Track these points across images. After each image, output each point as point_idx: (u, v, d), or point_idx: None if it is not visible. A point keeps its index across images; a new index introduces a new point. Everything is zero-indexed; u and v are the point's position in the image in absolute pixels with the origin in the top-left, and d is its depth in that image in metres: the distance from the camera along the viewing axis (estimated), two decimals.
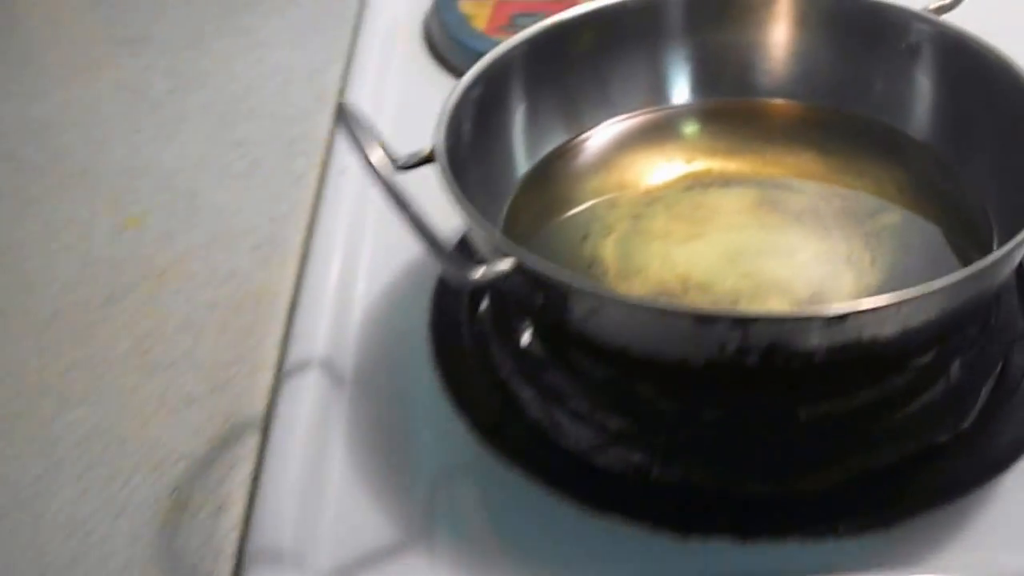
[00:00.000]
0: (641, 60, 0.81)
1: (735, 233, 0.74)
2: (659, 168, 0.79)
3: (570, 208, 0.76)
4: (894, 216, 0.74)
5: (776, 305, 0.68)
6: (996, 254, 0.60)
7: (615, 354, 0.63)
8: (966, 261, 0.69)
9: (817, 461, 0.66)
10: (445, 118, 0.68)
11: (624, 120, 0.82)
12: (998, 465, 0.65)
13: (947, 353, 0.68)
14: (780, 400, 0.65)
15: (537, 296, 0.62)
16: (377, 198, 0.65)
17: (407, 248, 0.76)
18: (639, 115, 0.82)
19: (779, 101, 0.82)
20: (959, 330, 0.67)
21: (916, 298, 0.58)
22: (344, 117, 0.61)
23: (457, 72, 0.94)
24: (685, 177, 0.78)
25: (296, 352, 0.72)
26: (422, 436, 0.69)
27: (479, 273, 0.59)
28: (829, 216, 0.74)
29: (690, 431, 0.66)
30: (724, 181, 0.77)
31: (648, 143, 0.80)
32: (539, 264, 0.60)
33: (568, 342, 0.66)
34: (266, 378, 0.72)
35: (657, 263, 0.71)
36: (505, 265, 0.60)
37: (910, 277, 0.67)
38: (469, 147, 0.70)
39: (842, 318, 0.58)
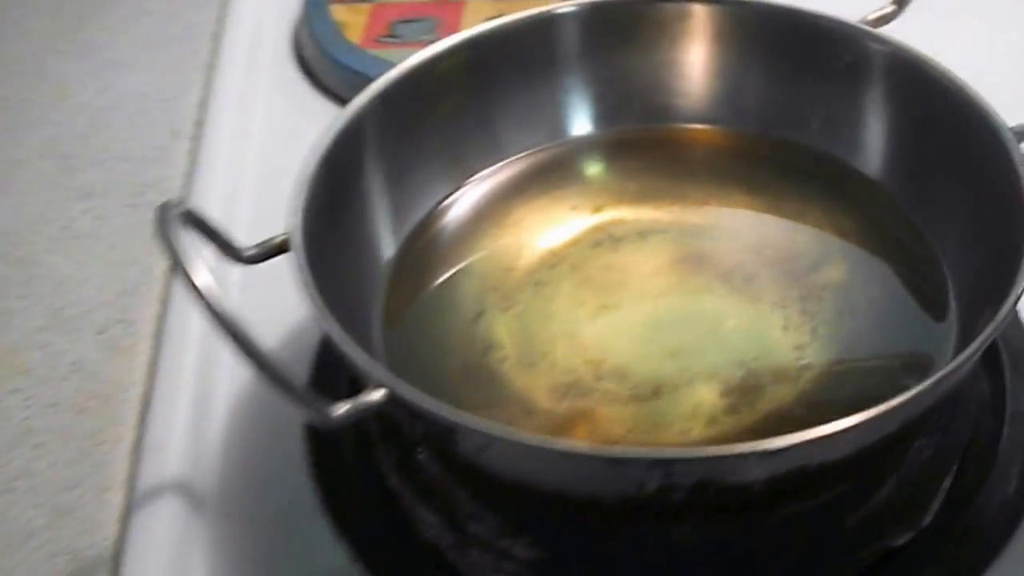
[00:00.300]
0: (531, 89, 0.70)
1: (654, 301, 0.64)
2: (561, 221, 0.68)
3: (459, 280, 0.65)
4: (836, 271, 0.64)
5: (705, 395, 0.59)
6: (962, 357, 0.51)
7: (514, 488, 0.52)
8: (922, 327, 0.61)
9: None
10: (300, 200, 0.57)
11: (515, 162, 0.70)
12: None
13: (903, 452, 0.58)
14: (711, 529, 0.54)
15: (417, 426, 0.51)
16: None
17: (281, 313, 0.65)
18: (532, 154, 0.71)
19: (698, 127, 0.71)
20: (919, 432, 0.57)
21: (871, 419, 0.48)
22: (162, 221, 0.49)
23: (332, 94, 0.83)
24: (593, 230, 0.68)
25: (148, 468, 0.62)
26: (298, 566, 0.59)
27: (342, 410, 0.49)
28: (762, 273, 0.64)
29: (607, 566, 0.55)
30: (639, 233, 0.67)
31: (546, 190, 0.70)
32: (414, 396, 0.49)
33: (463, 470, 0.55)
34: (117, 499, 0.62)
35: (564, 345, 0.61)
36: (375, 397, 0.49)
37: (858, 350, 0.60)
38: (330, 225, 0.60)
39: (784, 450, 0.47)
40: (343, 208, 0.61)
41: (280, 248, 0.57)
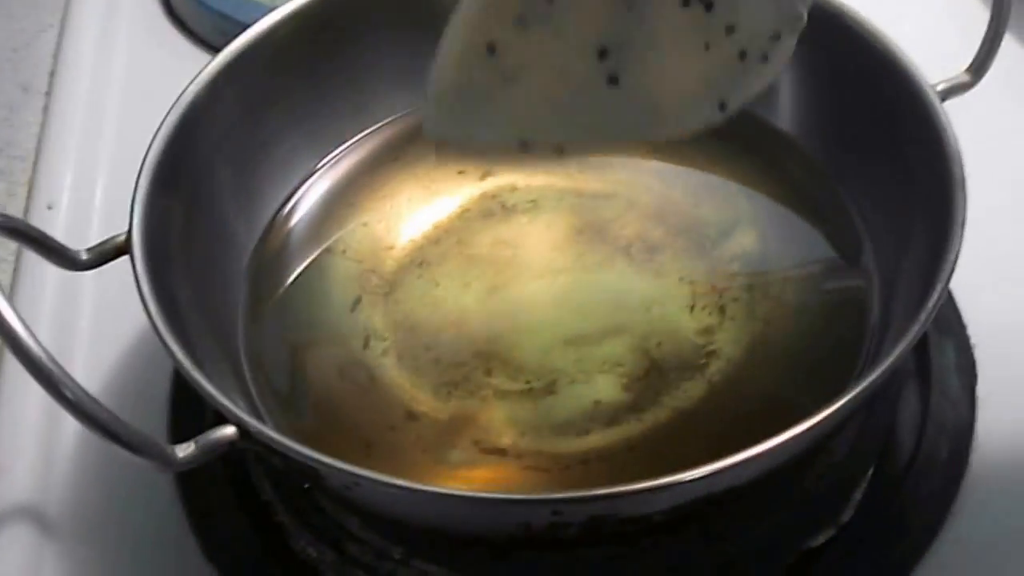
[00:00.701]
0: (397, 45, 0.63)
1: (550, 280, 0.58)
2: (446, 189, 0.62)
3: (331, 264, 0.58)
4: (747, 238, 0.58)
5: (606, 389, 0.54)
6: (876, 373, 0.46)
7: (396, 524, 0.47)
8: (839, 296, 0.57)
9: None
10: (141, 194, 0.50)
11: (387, 127, 0.64)
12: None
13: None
14: (612, 553, 0.49)
15: (278, 462, 0.45)
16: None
17: (137, 319, 0.58)
18: (406, 116, 0.64)
19: None
20: (833, 440, 0.52)
21: (778, 446, 0.43)
22: None
23: (201, 41, 0.75)
24: (482, 199, 0.61)
25: None
26: None
27: (186, 453, 0.43)
28: (667, 244, 0.58)
29: None
30: (532, 200, 0.61)
31: (426, 154, 0.63)
32: (268, 435, 0.43)
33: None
34: None
35: (451, 335, 0.56)
36: (226, 433, 0.43)
37: (770, 331, 0.55)
38: (181, 218, 0.53)
39: (684, 483, 0.42)
40: (193, 199, 0.55)
41: (120, 250, 0.50)
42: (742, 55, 0.49)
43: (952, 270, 0.47)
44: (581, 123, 0.49)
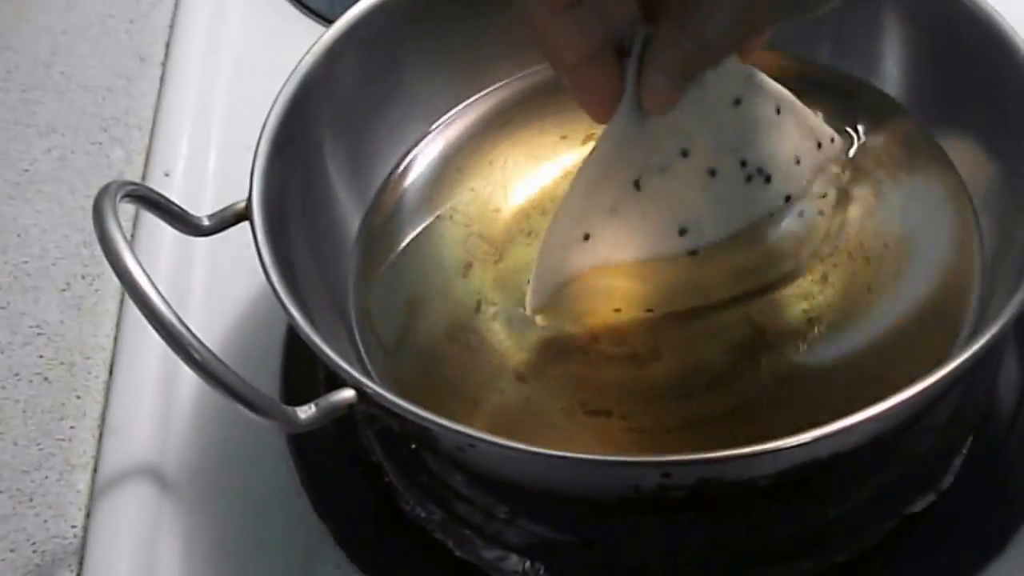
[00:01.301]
0: (505, 12, 0.62)
1: None
2: (550, 155, 0.63)
3: (444, 228, 0.60)
4: (853, 206, 0.58)
5: (709, 353, 0.54)
6: (981, 343, 0.46)
7: (503, 484, 0.48)
8: (943, 266, 0.56)
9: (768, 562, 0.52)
10: (260, 162, 0.52)
11: (493, 92, 0.65)
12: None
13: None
14: (718, 515, 0.50)
15: (394, 423, 0.46)
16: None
17: (252, 278, 0.60)
18: (512, 82, 0.66)
19: None
20: (934, 407, 0.53)
21: (884, 412, 0.43)
22: (99, 213, 0.44)
23: (309, 10, 0.77)
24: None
25: (112, 448, 0.57)
26: (277, 550, 0.56)
27: (308, 415, 0.44)
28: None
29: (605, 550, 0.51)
30: None
31: (531, 120, 0.64)
32: (387, 396, 0.44)
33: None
34: (83, 481, 0.58)
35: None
36: (345, 396, 0.45)
37: (873, 298, 0.55)
38: (299, 187, 0.54)
39: (787, 449, 0.43)
40: (308, 166, 0.57)
41: (240, 216, 0.52)
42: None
43: None
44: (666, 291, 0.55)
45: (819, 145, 0.57)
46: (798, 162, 0.56)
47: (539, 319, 0.54)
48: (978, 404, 0.56)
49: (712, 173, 0.53)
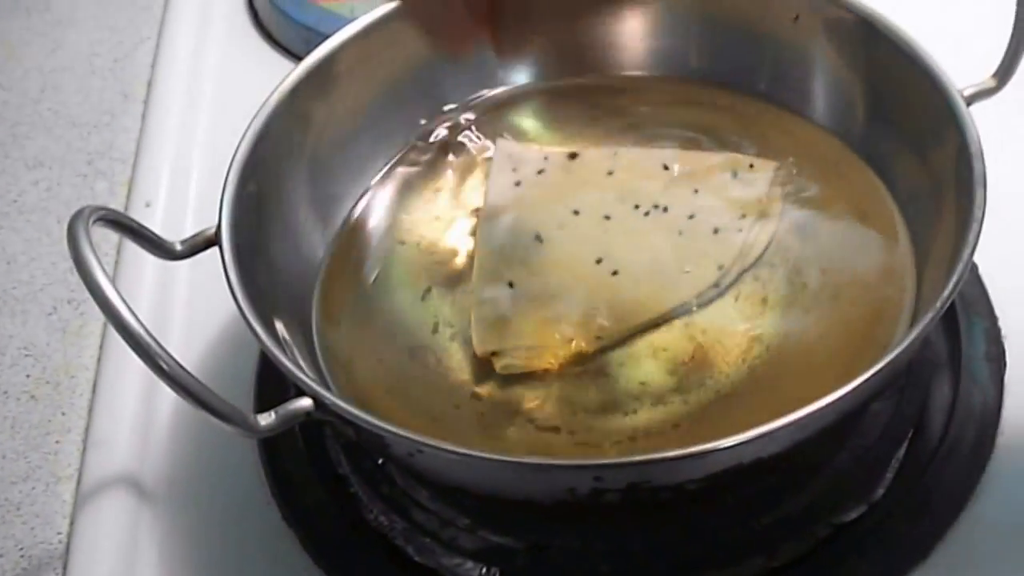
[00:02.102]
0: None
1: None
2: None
3: (407, 254, 0.64)
4: (789, 232, 0.61)
5: (655, 371, 0.58)
6: (907, 341, 0.49)
7: (458, 493, 0.52)
8: (877, 287, 0.59)
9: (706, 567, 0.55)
10: (229, 191, 0.56)
11: (456, 126, 0.69)
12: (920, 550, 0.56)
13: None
14: (653, 520, 0.54)
15: (349, 431, 0.50)
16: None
17: (228, 300, 0.63)
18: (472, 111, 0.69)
19: (642, 75, 0.69)
20: (863, 415, 0.56)
21: (798, 420, 0.47)
22: (73, 234, 0.48)
23: (283, 49, 0.81)
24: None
25: (95, 460, 0.61)
26: (248, 556, 0.59)
27: (267, 422, 0.48)
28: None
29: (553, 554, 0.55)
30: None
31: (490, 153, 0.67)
32: (341, 404, 0.48)
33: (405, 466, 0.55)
34: (68, 491, 0.62)
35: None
36: (302, 405, 0.48)
37: (811, 319, 0.59)
38: (266, 214, 0.58)
39: (711, 452, 0.46)
40: (275, 194, 0.60)
41: (210, 242, 0.55)
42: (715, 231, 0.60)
43: (968, 265, 0.51)
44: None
45: (734, 174, 0.61)
46: (696, 191, 0.61)
47: (494, 362, 0.58)
48: (909, 420, 0.60)
49: (607, 217, 0.60)
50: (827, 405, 0.47)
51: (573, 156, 0.65)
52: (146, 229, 0.54)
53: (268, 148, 0.59)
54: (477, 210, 0.65)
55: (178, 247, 0.55)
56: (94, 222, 0.49)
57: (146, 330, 0.45)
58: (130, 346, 0.45)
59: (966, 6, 0.79)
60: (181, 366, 0.46)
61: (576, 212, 0.62)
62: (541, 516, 0.55)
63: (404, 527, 0.58)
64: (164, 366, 0.45)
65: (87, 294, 0.67)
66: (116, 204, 0.74)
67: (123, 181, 0.76)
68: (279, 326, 0.55)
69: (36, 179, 0.76)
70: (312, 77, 0.62)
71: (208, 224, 0.56)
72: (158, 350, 0.45)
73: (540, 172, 0.64)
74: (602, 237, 0.62)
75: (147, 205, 0.72)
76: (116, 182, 0.76)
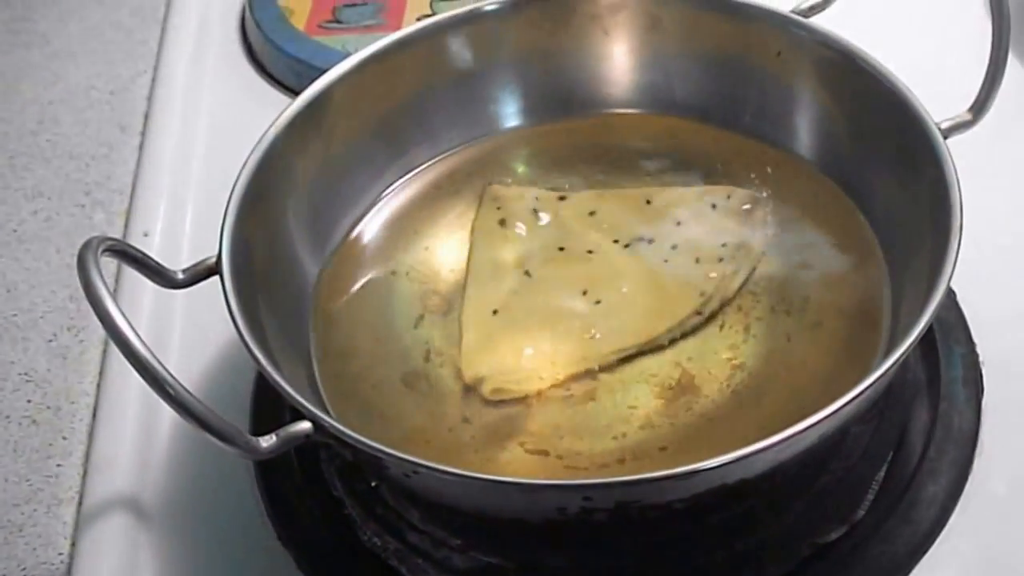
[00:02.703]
0: (455, 87, 0.71)
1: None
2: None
3: (399, 284, 0.66)
4: (771, 261, 0.64)
5: (642, 396, 0.60)
6: (885, 366, 0.51)
7: (448, 508, 0.54)
8: (856, 315, 0.61)
9: None
10: (229, 222, 0.57)
11: (447, 159, 0.71)
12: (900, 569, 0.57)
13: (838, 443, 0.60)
14: (640, 540, 0.55)
15: (347, 452, 0.52)
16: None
17: (225, 327, 0.65)
18: (464, 149, 0.71)
19: (631, 112, 0.71)
20: (844, 437, 0.58)
21: (780, 441, 0.49)
22: (83, 263, 0.49)
23: (277, 82, 0.84)
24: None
25: (96, 483, 0.63)
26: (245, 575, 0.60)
27: (268, 444, 0.49)
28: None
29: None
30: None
31: (481, 185, 0.70)
32: (339, 427, 0.50)
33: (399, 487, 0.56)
34: (69, 513, 0.63)
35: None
36: (301, 428, 0.50)
37: (792, 346, 0.60)
38: (264, 244, 0.60)
39: (696, 473, 0.48)
40: (272, 225, 0.62)
41: (211, 270, 0.57)
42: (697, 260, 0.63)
43: (945, 292, 0.53)
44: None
45: (713, 206, 0.63)
46: (678, 223, 0.63)
47: (482, 388, 0.60)
48: (889, 443, 0.61)
49: (590, 252, 0.63)
50: (808, 427, 0.49)
51: (561, 198, 0.68)
52: (150, 258, 0.56)
53: (266, 180, 0.61)
54: (466, 243, 0.67)
55: (180, 276, 0.57)
56: (103, 252, 0.51)
57: (154, 356, 0.47)
58: (137, 371, 0.47)
59: (944, 42, 0.82)
60: (187, 390, 0.47)
61: (561, 248, 0.65)
62: (531, 536, 0.56)
63: (397, 547, 0.59)
64: (171, 391, 0.47)
65: (86, 321, 0.70)
66: (114, 233, 0.76)
67: (120, 211, 0.77)
68: (276, 352, 0.56)
69: (35, 209, 0.77)
70: (309, 111, 0.64)
71: (203, 252, 0.58)
72: (165, 375, 0.47)
73: (527, 212, 0.66)
74: (586, 270, 0.64)
75: (145, 235, 0.74)
76: (114, 212, 0.78)
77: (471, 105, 0.70)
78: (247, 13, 0.88)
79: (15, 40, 0.90)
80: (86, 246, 0.51)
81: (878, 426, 0.61)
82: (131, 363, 0.47)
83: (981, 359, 0.65)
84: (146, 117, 0.83)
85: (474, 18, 0.69)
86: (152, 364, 0.47)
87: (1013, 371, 0.64)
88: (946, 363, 0.64)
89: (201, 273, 0.57)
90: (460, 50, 0.69)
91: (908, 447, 0.61)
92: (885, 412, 0.62)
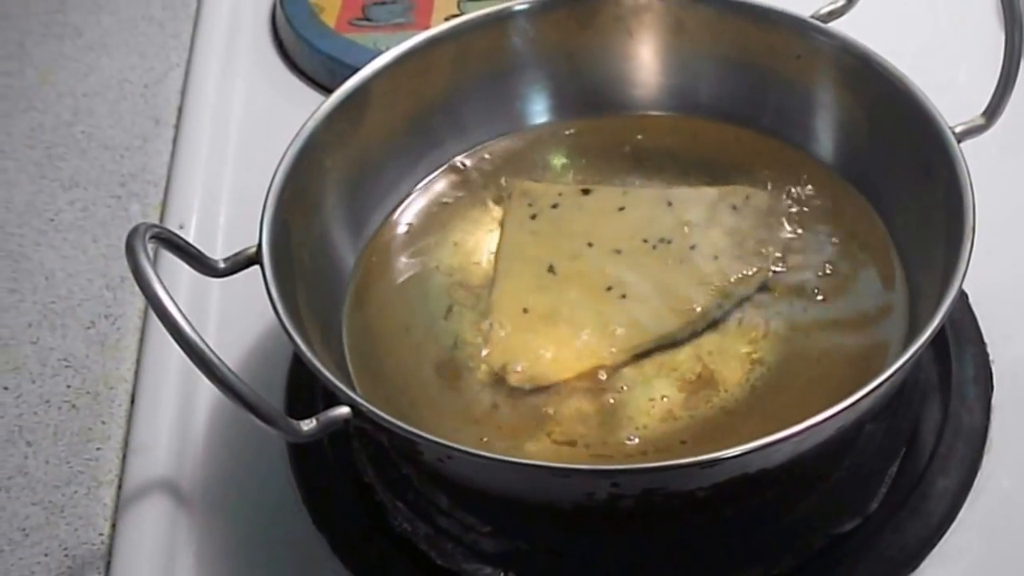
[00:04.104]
0: (486, 84, 0.73)
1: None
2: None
3: (429, 276, 0.68)
4: (790, 260, 0.65)
5: (664, 389, 0.62)
6: (900, 362, 0.53)
7: (477, 493, 0.56)
8: (873, 314, 0.64)
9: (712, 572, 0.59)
10: (268, 214, 0.60)
11: (477, 153, 0.74)
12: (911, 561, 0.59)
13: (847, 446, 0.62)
14: (663, 526, 0.58)
15: (383, 437, 0.54)
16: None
17: (258, 316, 0.68)
18: (493, 144, 0.74)
19: (655, 114, 0.74)
20: (859, 433, 0.60)
21: (798, 432, 0.51)
22: (131, 249, 0.52)
23: (307, 78, 0.85)
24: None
25: (136, 467, 0.65)
26: (280, 558, 0.63)
27: (310, 427, 0.52)
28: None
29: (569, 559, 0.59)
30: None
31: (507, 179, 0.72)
32: (377, 412, 0.52)
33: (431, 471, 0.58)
34: (108, 495, 0.65)
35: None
36: (341, 412, 0.52)
37: (810, 343, 0.63)
38: (301, 234, 0.62)
39: (719, 461, 0.50)
40: (308, 217, 0.64)
41: (251, 260, 0.59)
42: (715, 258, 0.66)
43: (958, 292, 0.55)
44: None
45: (733, 207, 0.65)
46: (698, 224, 0.67)
47: (509, 377, 0.62)
48: (902, 439, 0.63)
49: (618, 251, 0.65)
50: (827, 419, 0.51)
51: (586, 192, 0.69)
52: (192, 247, 0.58)
53: (303, 172, 0.63)
54: (495, 237, 0.69)
55: (221, 265, 0.59)
56: (149, 239, 0.53)
57: (202, 339, 0.49)
58: (187, 353, 0.49)
59: (958, 48, 0.84)
60: (234, 373, 0.49)
61: (590, 244, 0.67)
62: (558, 522, 0.59)
63: (427, 532, 0.61)
64: (219, 373, 0.49)
65: (123, 309, 0.72)
66: None
67: (155, 203, 0.79)
68: (313, 337, 0.59)
69: (72, 199, 0.79)
70: (345, 105, 0.66)
71: (239, 242, 0.60)
72: (213, 358, 0.49)
73: (554, 207, 0.69)
74: (612, 268, 0.66)
75: (180, 227, 0.76)
76: (149, 203, 0.79)
77: (500, 102, 0.72)
78: (278, 9, 0.89)
79: (47, 31, 0.91)
80: (134, 232, 0.53)
81: (891, 422, 0.63)
82: (181, 346, 0.49)
83: (991, 359, 0.67)
84: (179, 110, 0.85)
85: (504, 17, 0.71)
86: (200, 347, 0.49)
87: (1022, 371, 0.66)
88: (957, 362, 0.66)
89: (241, 263, 0.59)
90: (490, 48, 0.71)
91: (920, 443, 0.63)
92: (898, 410, 0.64)
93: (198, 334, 0.49)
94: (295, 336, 0.54)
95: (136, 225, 0.54)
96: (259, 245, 0.58)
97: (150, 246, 0.54)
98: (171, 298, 0.50)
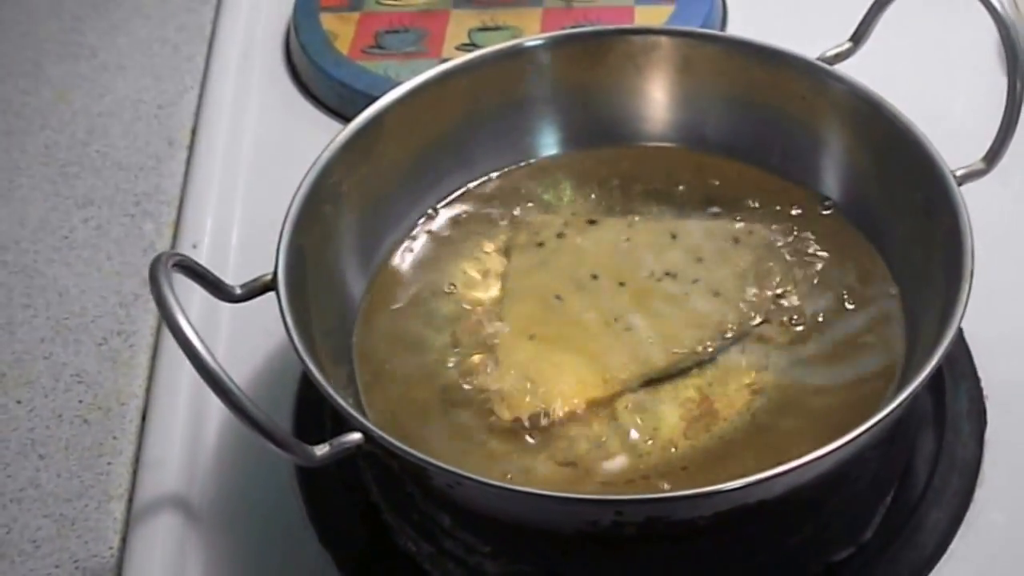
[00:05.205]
0: (501, 120, 0.75)
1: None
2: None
3: (439, 301, 0.70)
4: (792, 294, 0.67)
5: (666, 417, 0.63)
6: (899, 399, 0.55)
7: (481, 516, 0.57)
8: (873, 347, 0.65)
9: None
10: (284, 242, 0.61)
11: (487, 183, 0.75)
12: None
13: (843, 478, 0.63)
14: (662, 553, 0.59)
15: (393, 463, 0.55)
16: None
17: (267, 336, 0.69)
18: (502, 175, 0.76)
19: (665, 146, 0.75)
20: (859, 463, 0.62)
21: (799, 466, 0.53)
22: (155, 276, 0.53)
23: (320, 103, 0.87)
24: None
25: (147, 482, 0.66)
26: (286, 574, 0.64)
27: (323, 452, 0.53)
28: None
29: None
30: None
31: (515, 207, 0.74)
32: (389, 439, 0.53)
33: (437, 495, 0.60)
34: (119, 510, 0.66)
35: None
36: (353, 438, 0.54)
37: (810, 375, 0.64)
38: (314, 261, 0.64)
39: (720, 493, 0.52)
40: (322, 244, 0.66)
41: (266, 287, 0.61)
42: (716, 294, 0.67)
43: (957, 329, 0.56)
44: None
45: (735, 241, 0.67)
46: (701, 258, 0.68)
47: (517, 406, 0.64)
48: (896, 470, 0.65)
49: (622, 284, 0.67)
50: (827, 453, 0.53)
51: (592, 223, 0.71)
52: (211, 274, 0.59)
53: (318, 201, 0.65)
54: (501, 265, 0.71)
55: (237, 291, 0.61)
56: (172, 267, 0.54)
57: (222, 368, 0.51)
58: (207, 383, 0.51)
59: (960, 93, 0.86)
60: (252, 401, 0.51)
61: (595, 276, 0.69)
62: (560, 546, 0.60)
63: (430, 552, 0.62)
64: (235, 400, 0.51)
65: (136, 327, 0.74)
66: (163, 244, 0.79)
67: (169, 222, 0.81)
68: (324, 362, 0.60)
69: (86, 217, 0.81)
70: (360, 136, 0.68)
71: (250, 264, 0.62)
72: (232, 387, 0.51)
73: (560, 236, 0.70)
74: (616, 300, 0.68)
75: (194, 246, 0.77)
76: (162, 223, 0.81)
77: (511, 134, 0.74)
78: (292, 35, 0.91)
79: (64, 51, 0.93)
80: (156, 261, 0.55)
81: (886, 454, 0.65)
82: (202, 376, 0.51)
83: (985, 394, 0.68)
84: (193, 132, 0.86)
85: (517, 53, 0.73)
86: (221, 376, 0.51)
87: (1015, 406, 0.67)
88: (952, 396, 0.68)
89: (257, 289, 0.61)
90: (502, 82, 0.73)
91: (914, 475, 0.65)
92: (894, 441, 0.65)
93: (219, 364, 0.51)
94: (311, 367, 0.56)
95: (158, 254, 0.56)
96: (275, 273, 0.60)
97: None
98: (193, 329, 0.51)
